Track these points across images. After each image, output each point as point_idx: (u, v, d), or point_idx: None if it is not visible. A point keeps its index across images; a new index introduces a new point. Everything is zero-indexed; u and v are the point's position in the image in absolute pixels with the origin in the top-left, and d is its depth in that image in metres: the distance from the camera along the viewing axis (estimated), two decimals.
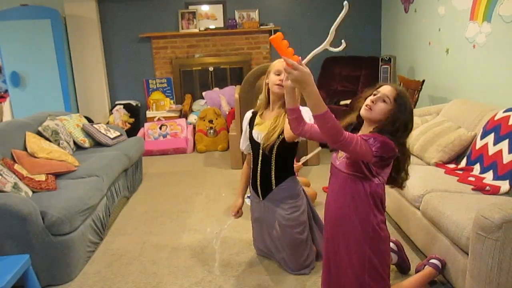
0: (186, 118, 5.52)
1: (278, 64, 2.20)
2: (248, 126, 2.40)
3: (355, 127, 1.82)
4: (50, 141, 3.33)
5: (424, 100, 4.45)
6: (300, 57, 1.44)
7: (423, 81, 4.06)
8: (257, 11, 5.71)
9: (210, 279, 2.35)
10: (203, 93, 5.80)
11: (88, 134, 3.81)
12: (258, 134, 2.30)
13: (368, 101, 1.73)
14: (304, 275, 2.34)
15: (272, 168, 2.28)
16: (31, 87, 5.26)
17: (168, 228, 3.04)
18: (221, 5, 5.71)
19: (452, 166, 2.82)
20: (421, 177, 2.52)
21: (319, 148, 3.43)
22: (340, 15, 1.42)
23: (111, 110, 5.63)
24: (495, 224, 1.73)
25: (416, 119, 3.30)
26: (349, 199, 1.75)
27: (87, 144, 3.75)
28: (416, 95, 4.06)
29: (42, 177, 2.75)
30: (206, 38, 5.74)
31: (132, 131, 5.18)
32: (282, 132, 2.18)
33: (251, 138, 2.35)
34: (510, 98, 3.05)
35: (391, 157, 1.67)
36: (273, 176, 2.29)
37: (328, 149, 1.99)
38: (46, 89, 5.27)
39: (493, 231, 1.73)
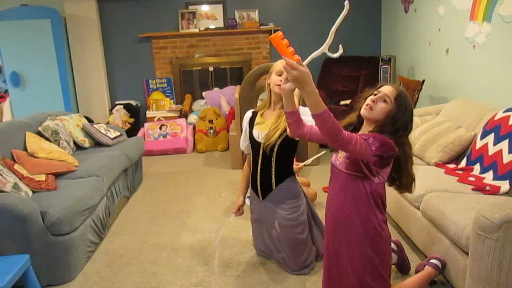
0: (186, 118, 5.52)
1: (280, 64, 2.21)
2: (248, 126, 2.40)
3: (355, 127, 1.82)
4: (50, 141, 3.33)
5: (424, 100, 4.45)
6: (299, 57, 1.44)
7: (423, 81, 4.06)
8: (257, 11, 5.71)
9: (210, 279, 2.35)
10: (203, 93, 5.80)
11: (88, 134, 3.81)
12: (259, 133, 2.30)
13: (368, 100, 1.73)
14: (304, 275, 2.34)
15: (272, 168, 2.28)
16: (31, 87, 5.26)
17: (168, 228, 3.04)
18: (221, 5, 5.71)
19: (452, 166, 2.82)
20: (421, 177, 2.50)
21: (324, 151, 3.41)
22: (341, 15, 1.42)
23: (111, 110, 5.63)
24: (495, 224, 1.73)
25: (416, 119, 3.31)
26: (350, 199, 1.75)
27: (87, 144, 3.75)
28: (416, 95, 4.06)
29: (42, 177, 2.75)
30: (206, 38, 5.74)
31: (132, 131, 5.18)
32: (283, 132, 2.18)
33: (251, 138, 2.35)
34: (510, 98, 3.05)
35: (391, 156, 1.67)
36: (273, 176, 2.29)
37: (328, 149, 1.99)
38: (46, 89, 5.27)
39: (493, 231, 1.73)
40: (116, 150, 3.60)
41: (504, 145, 2.51)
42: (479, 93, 3.49)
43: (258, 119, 2.37)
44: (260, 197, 2.36)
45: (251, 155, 2.42)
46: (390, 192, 2.67)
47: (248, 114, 2.46)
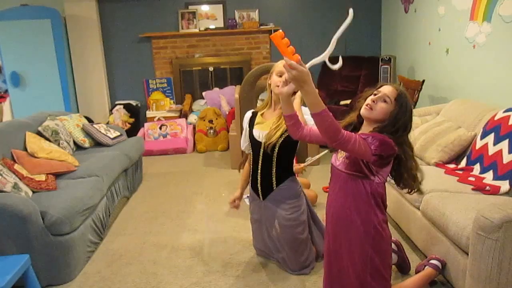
0: (186, 118, 5.52)
1: (281, 65, 2.21)
2: (248, 126, 2.40)
3: (355, 126, 1.82)
4: (50, 141, 3.33)
5: (424, 100, 4.45)
6: (299, 56, 1.45)
7: (423, 81, 4.06)
8: (257, 11, 5.71)
9: (210, 279, 2.35)
10: (203, 93, 5.80)
11: (88, 134, 3.81)
12: (259, 133, 2.30)
13: (368, 100, 1.74)
14: (304, 275, 2.34)
15: (273, 167, 2.28)
16: (31, 87, 5.26)
17: (168, 228, 3.04)
18: (221, 5, 5.71)
19: (452, 166, 2.82)
20: None
21: (325, 151, 3.41)
22: (344, 24, 1.42)
23: (111, 110, 5.63)
24: (495, 224, 1.73)
25: (416, 119, 3.31)
26: (350, 199, 1.75)
27: (87, 144, 3.75)
28: (416, 95, 4.06)
29: (42, 177, 2.75)
30: (206, 38, 5.74)
31: (132, 131, 5.18)
32: (284, 131, 2.19)
33: (251, 138, 2.35)
34: (510, 98, 3.05)
35: (391, 156, 1.67)
36: (273, 176, 2.29)
37: (329, 150, 1.99)
38: (46, 89, 5.27)
39: (493, 231, 1.73)
40: (116, 150, 3.60)
41: (504, 145, 2.51)
42: (479, 93, 3.49)
43: (258, 118, 2.37)
44: (261, 197, 2.36)
45: (250, 155, 2.43)
46: (390, 192, 2.67)
47: (248, 114, 2.46)
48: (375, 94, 1.74)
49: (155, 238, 2.88)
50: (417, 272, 2.19)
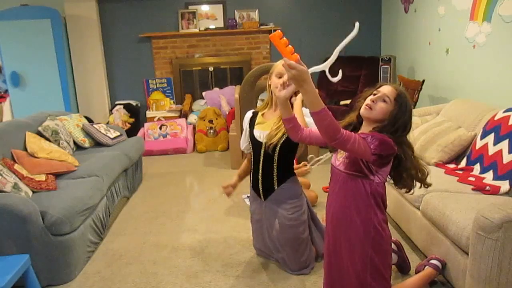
0: (186, 118, 5.52)
1: (280, 66, 2.21)
2: (248, 126, 2.40)
3: (355, 126, 1.82)
4: (50, 141, 3.33)
5: (424, 100, 4.45)
6: (298, 55, 1.45)
7: (423, 81, 4.06)
8: (257, 11, 5.71)
9: (210, 279, 2.35)
10: (203, 93, 5.80)
11: (88, 134, 3.81)
12: (260, 133, 2.30)
13: (368, 100, 1.74)
14: (304, 275, 2.34)
15: (274, 168, 2.28)
16: (31, 87, 5.26)
17: (168, 228, 3.04)
18: (221, 5, 5.71)
19: (452, 166, 2.82)
20: None
21: (330, 155, 3.38)
22: (349, 36, 1.43)
23: (111, 110, 5.63)
24: (495, 224, 1.73)
25: (416, 119, 3.31)
26: (350, 199, 1.75)
27: (87, 144, 3.75)
28: (416, 95, 4.06)
29: (42, 177, 2.75)
30: (206, 38, 5.74)
31: (132, 131, 5.18)
32: (285, 132, 2.19)
33: (252, 138, 2.35)
34: (510, 98, 3.05)
35: (390, 155, 1.68)
36: (275, 176, 2.29)
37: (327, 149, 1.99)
38: (46, 89, 5.27)
39: (493, 231, 1.73)
40: (116, 150, 3.60)
41: (504, 145, 2.51)
42: (479, 93, 3.49)
43: (259, 119, 2.37)
44: (262, 197, 2.36)
45: (250, 154, 2.43)
46: (390, 192, 2.67)
47: (249, 114, 2.46)
48: (374, 94, 1.74)
49: (155, 238, 2.88)
50: (417, 272, 2.19)
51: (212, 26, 5.72)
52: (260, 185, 2.34)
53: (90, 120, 4.50)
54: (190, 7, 5.67)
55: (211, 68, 5.84)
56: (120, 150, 3.60)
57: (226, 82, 5.93)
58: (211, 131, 5.13)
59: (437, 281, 2.21)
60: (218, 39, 5.74)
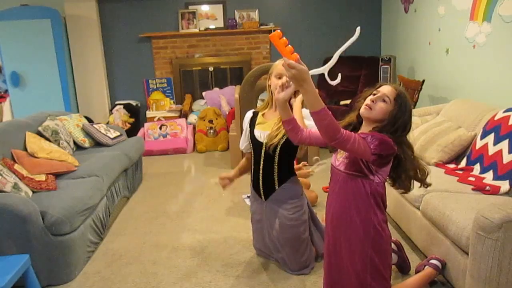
0: (186, 118, 5.52)
1: (279, 66, 2.21)
2: (248, 126, 2.40)
3: (355, 126, 1.82)
4: (50, 141, 3.33)
5: (424, 100, 4.45)
6: (298, 55, 1.45)
7: (423, 81, 4.06)
8: (257, 11, 5.71)
9: (210, 279, 2.35)
10: (203, 93, 5.80)
11: (88, 134, 3.81)
12: (261, 133, 2.30)
13: (368, 100, 1.74)
14: (303, 275, 2.33)
15: (275, 168, 2.28)
16: (31, 87, 5.26)
17: (168, 228, 3.04)
18: (221, 5, 5.71)
19: (452, 166, 2.82)
20: None
21: (325, 161, 3.37)
22: (349, 40, 1.43)
23: (111, 110, 5.63)
24: (495, 224, 1.73)
25: (416, 119, 3.31)
26: (350, 199, 1.75)
27: (87, 144, 3.75)
28: (416, 95, 4.06)
29: (42, 177, 2.75)
30: (206, 38, 5.74)
31: (132, 131, 5.18)
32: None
33: (252, 138, 2.35)
34: (510, 98, 3.05)
35: (390, 155, 1.68)
36: (275, 176, 2.29)
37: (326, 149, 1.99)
38: (46, 89, 5.27)
39: (493, 231, 1.73)
40: (116, 150, 3.60)
41: (504, 145, 2.51)
42: (479, 93, 3.49)
43: (259, 119, 2.36)
44: (263, 197, 2.36)
45: (249, 154, 2.43)
46: (390, 192, 2.67)
47: (249, 114, 2.46)
48: (374, 94, 1.74)
49: (155, 238, 2.88)
50: (417, 272, 2.19)
51: (212, 26, 5.72)
52: (261, 185, 2.34)
53: (90, 120, 4.50)
54: (190, 7, 5.67)
55: (211, 68, 5.84)
56: (120, 150, 3.60)
57: (226, 82, 5.93)
58: (211, 131, 5.13)
59: (437, 281, 2.21)
60: (218, 39, 5.74)
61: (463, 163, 2.79)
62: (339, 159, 1.79)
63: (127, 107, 5.60)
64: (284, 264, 2.39)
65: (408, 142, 1.75)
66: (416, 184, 1.83)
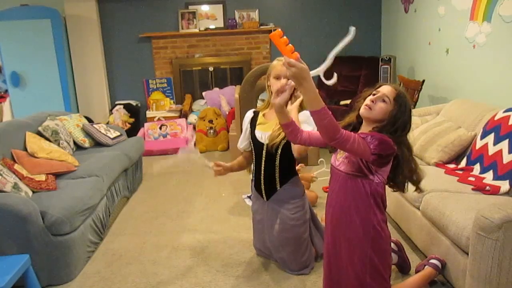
0: (186, 118, 5.52)
1: (278, 67, 2.21)
2: (249, 126, 2.40)
3: (355, 127, 1.82)
4: (50, 141, 3.33)
5: (424, 100, 4.45)
6: (298, 54, 1.45)
7: (423, 81, 4.06)
8: (257, 11, 5.71)
9: (210, 279, 2.35)
10: (203, 93, 5.80)
11: (88, 134, 3.81)
12: (262, 134, 2.30)
13: (367, 100, 1.74)
14: (303, 275, 2.33)
15: (277, 168, 2.28)
16: (31, 87, 5.26)
17: (168, 228, 3.04)
18: (221, 5, 5.71)
19: (452, 166, 2.82)
20: None
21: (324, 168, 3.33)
22: (343, 41, 1.43)
23: (111, 110, 5.63)
24: (495, 224, 1.73)
25: (416, 119, 3.31)
26: (350, 199, 1.75)
27: (87, 144, 3.75)
28: (416, 95, 4.06)
29: (42, 177, 2.75)
30: (206, 38, 5.74)
31: (132, 131, 5.18)
32: None
33: (253, 139, 2.35)
34: (510, 98, 3.05)
35: (390, 155, 1.67)
36: (277, 176, 2.29)
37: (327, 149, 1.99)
38: (46, 89, 5.27)
39: (493, 231, 1.73)
40: (116, 150, 3.60)
41: (504, 145, 2.51)
42: (479, 93, 3.49)
43: (260, 119, 2.36)
44: (265, 197, 2.36)
45: (247, 152, 2.43)
46: (390, 192, 2.66)
47: (249, 114, 2.45)
48: (374, 94, 1.74)
49: (155, 238, 2.88)
50: (417, 272, 2.19)
51: (212, 26, 5.72)
52: (262, 186, 2.34)
53: (90, 120, 4.50)
54: (190, 7, 5.67)
55: (211, 68, 5.84)
56: (120, 150, 3.60)
57: (226, 82, 5.93)
58: (211, 131, 5.13)
59: (437, 281, 2.21)
60: (218, 39, 5.74)
61: (463, 163, 2.79)
62: (339, 159, 1.79)
63: (127, 107, 5.60)
64: (284, 264, 2.39)
65: (408, 143, 1.75)
66: (411, 186, 1.83)
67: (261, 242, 2.50)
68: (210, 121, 5.19)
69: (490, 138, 2.64)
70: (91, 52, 5.57)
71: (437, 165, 2.85)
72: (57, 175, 2.92)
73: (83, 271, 2.50)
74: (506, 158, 2.45)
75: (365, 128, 1.75)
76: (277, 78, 2.21)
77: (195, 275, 2.40)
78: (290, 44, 1.45)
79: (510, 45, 3.06)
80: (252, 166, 2.43)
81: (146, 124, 5.37)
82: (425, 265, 2.16)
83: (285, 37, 1.45)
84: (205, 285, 2.30)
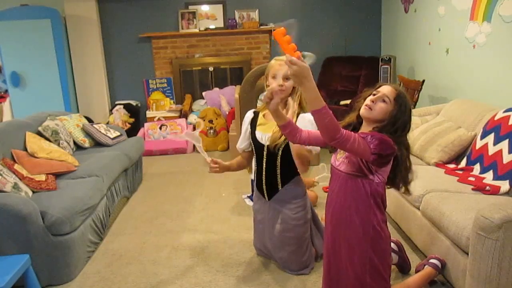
0: (186, 118, 5.52)
1: (275, 66, 2.21)
2: (249, 127, 2.39)
3: (355, 127, 1.82)
4: (50, 141, 3.33)
5: (424, 100, 4.45)
6: (300, 53, 1.46)
7: (423, 81, 4.06)
8: (257, 11, 5.71)
9: (210, 279, 2.35)
10: (203, 93, 5.80)
11: (88, 134, 3.81)
12: (262, 135, 2.29)
13: (368, 101, 1.74)
14: (303, 275, 2.33)
15: (278, 169, 2.28)
16: (31, 87, 5.26)
17: (168, 228, 3.04)
18: (221, 5, 5.71)
19: (452, 166, 2.82)
20: (421, 177, 2.51)
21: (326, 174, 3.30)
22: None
23: (111, 110, 5.63)
24: (495, 224, 1.73)
25: (416, 119, 3.31)
26: (350, 199, 1.75)
27: (87, 144, 3.75)
28: (416, 95, 4.06)
29: (42, 177, 2.75)
30: (206, 38, 5.74)
31: (132, 131, 5.18)
32: None
33: (254, 139, 2.34)
34: (510, 98, 3.05)
35: (390, 155, 1.68)
36: (279, 177, 2.29)
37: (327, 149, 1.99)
38: (46, 89, 5.27)
39: (493, 231, 1.73)
40: (116, 150, 3.60)
41: (504, 145, 2.51)
42: (479, 93, 3.49)
43: (261, 120, 2.36)
44: (266, 197, 2.36)
45: (246, 152, 2.43)
46: (390, 192, 2.67)
47: (250, 114, 2.45)
48: (374, 94, 1.74)
49: (155, 238, 2.88)
50: (417, 271, 2.19)
51: (212, 26, 5.72)
52: (264, 186, 2.34)
53: (90, 120, 4.50)
54: (190, 7, 5.67)
55: (211, 68, 5.84)
56: (120, 150, 3.60)
57: (226, 82, 5.93)
58: (211, 131, 5.13)
59: (437, 281, 2.21)
60: (218, 39, 5.74)
61: (463, 163, 2.79)
62: (339, 159, 1.79)
63: (127, 107, 5.60)
64: (284, 264, 2.39)
65: (407, 143, 1.75)
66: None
67: (261, 241, 2.50)
68: (210, 121, 5.19)
69: (490, 138, 2.64)
70: (91, 52, 5.57)
71: (437, 165, 2.85)
72: (57, 175, 2.92)
73: (83, 271, 2.50)
74: (506, 158, 2.45)
75: (365, 128, 1.75)
76: (274, 77, 2.21)
77: (195, 275, 2.40)
78: (292, 43, 1.46)
79: (510, 45, 3.06)
80: (253, 166, 2.42)
81: (146, 124, 5.37)
82: (425, 265, 2.16)
83: (288, 36, 1.45)
84: (205, 285, 2.30)
